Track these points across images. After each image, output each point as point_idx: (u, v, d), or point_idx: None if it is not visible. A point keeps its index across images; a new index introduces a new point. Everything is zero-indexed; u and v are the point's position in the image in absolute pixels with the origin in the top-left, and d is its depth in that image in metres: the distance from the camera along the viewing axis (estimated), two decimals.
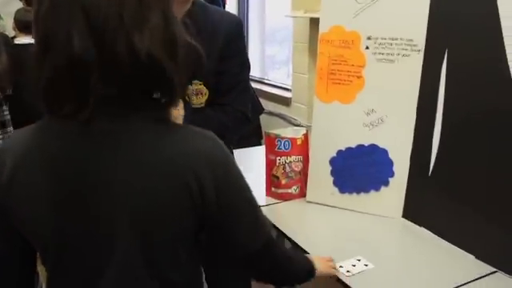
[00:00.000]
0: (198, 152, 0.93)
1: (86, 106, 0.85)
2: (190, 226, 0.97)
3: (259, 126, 4.08)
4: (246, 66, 1.78)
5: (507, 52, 1.49)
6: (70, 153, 0.92)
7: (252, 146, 3.02)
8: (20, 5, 3.79)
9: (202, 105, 1.68)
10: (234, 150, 2.04)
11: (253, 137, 3.88)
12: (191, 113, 1.59)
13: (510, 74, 1.49)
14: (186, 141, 0.95)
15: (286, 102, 4.01)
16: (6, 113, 2.73)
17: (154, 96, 0.92)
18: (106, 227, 0.94)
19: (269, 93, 4.32)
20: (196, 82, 1.64)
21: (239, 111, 1.73)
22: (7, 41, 3.30)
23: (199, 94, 1.66)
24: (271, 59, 4.91)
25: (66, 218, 0.94)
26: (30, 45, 2.96)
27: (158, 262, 0.98)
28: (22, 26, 3.42)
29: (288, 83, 4.13)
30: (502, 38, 1.50)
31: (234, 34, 1.69)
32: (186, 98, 1.64)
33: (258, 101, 3.98)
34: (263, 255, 1.14)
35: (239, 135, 1.89)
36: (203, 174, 0.92)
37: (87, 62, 0.83)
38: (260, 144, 3.69)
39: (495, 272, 1.54)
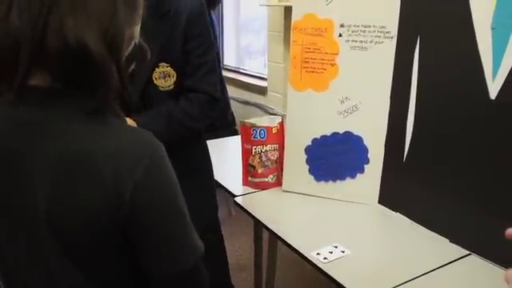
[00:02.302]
0: (122, 148, 0.89)
1: (16, 81, 0.84)
2: (106, 226, 0.90)
3: (231, 122, 3.99)
4: (211, 46, 1.77)
5: (477, 37, 1.51)
6: None
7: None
8: None
9: (171, 87, 1.67)
10: (208, 141, 2.03)
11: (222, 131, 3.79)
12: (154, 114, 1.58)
13: (480, 59, 1.50)
14: (111, 136, 0.90)
15: (261, 91, 4.01)
16: None
17: (90, 88, 0.88)
18: (26, 222, 0.92)
19: (244, 82, 4.32)
20: (163, 64, 1.64)
21: (205, 93, 1.73)
22: None
23: (166, 76, 1.66)
24: (247, 49, 4.90)
25: None
26: None
27: (86, 266, 0.95)
28: None
29: (264, 73, 4.13)
30: (472, 23, 1.52)
31: (195, 15, 1.69)
32: (154, 80, 1.63)
33: (228, 101, 3.90)
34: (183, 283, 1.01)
35: (212, 118, 1.87)
36: (122, 171, 0.87)
37: (20, 37, 0.81)
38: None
39: (469, 255, 1.56)
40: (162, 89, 1.65)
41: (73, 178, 0.87)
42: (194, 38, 1.67)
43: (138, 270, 0.97)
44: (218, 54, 4.03)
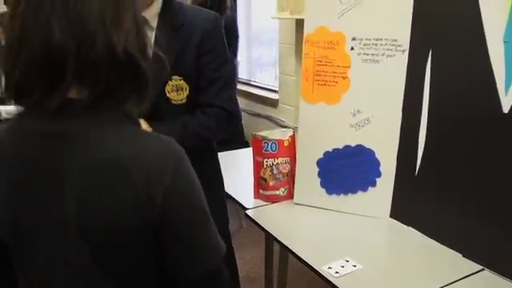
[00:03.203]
0: (150, 154, 0.94)
1: (55, 94, 0.88)
2: (138, 231, 0.95)
3: (240, 133, 3.99)
4: (226, 61, 1.77)
5: (489, 50, 1.50)
6: (31, 155, 0.94)
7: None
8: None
9: (183, 101, 1.67)
10: (219, 153, 2.03)
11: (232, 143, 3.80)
12: (168, 123, 1.58)
13: (492, 72, 1.50)
14: (139, 143, 0.95)
15: (273, 103, 4.01)
16: None
17: (123, 98, 0.94)
18: (59, 229, 0.95)
19: (256, 95, 4.33)
20: (176, 77, 1.64)
21: (220, 108, 1.73)
22: None
23: (179, 89, 1.66)
24: (258, 61, 4.91)
25: (22, 222, 0.97)
26: None
27: (112, 266, 0.98)
28: None
29: (275, 85, 4.13)
30: (484, 37, 1.52)
31: (210, 30, 1.70)
32: (166, 93, 1.64)
33: (240, 113, 3.90)
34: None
35: (227, 132, 1.88)
36: (152, 175, 0.92)
37: (64, 52, 0.86)
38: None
39: (482, 270, 1.54)
40: (175, 102, 1.65)
41: (105, 185, 0.91)
42: (208, 52, 1.67)
43: (163, 271, 1.01)
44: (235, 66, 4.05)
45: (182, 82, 1.64)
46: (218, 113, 1.71)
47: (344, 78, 1.85)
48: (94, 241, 0.95)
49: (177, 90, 1.64)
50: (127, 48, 0.90)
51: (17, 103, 0.96)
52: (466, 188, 1.60)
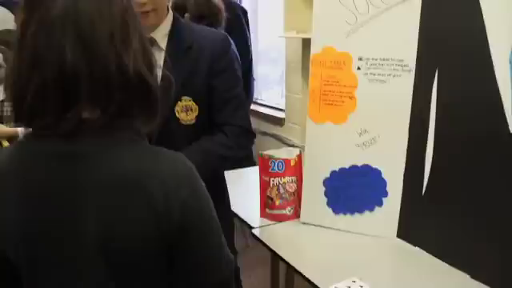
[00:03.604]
0: (166, 170, 0.95)
1: (69, 115, 0.89)
2: (156, 246, 0.96)
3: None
4: (239, 80, 1.78)
5: (495, 71, 1.51)
6: (45, 176, 0.94)
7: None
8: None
9: (193, 121, 1.68)
10: (226, 172, 2.03)
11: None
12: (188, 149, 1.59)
13: (498, 92, 1.50)
14: (154, 159, 0.97)
15: (279, 122, 4.02)
16: None
17: (133, 116, 0.96)
18: (77, 250, 0.95)
19: (262, 113, 4.34)
20: (185, 98, 1.64)
21: (238, 127, 1.73)
22: None
23: (189, 110, 1.66)
24: (264, 79, 4.93)
25: (36, 245, 0.96)
26: None
27: (126, 282, 0.98)
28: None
29: (281, 103, 4.14)
30: (491, 57, 1.52)
31: (220, 50, 1.70)
32: (176, 114, 1.64)
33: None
34: None
35: (247, 150, 1.88)
36: (170, 191, 0.93)
37: (77, 74, 0.88)
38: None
39: None
40: (184, 122, 1.65)
41: (123, 204, 0.92)
42: (221, 73, 1.68)
43: (177, 283, 1.02)
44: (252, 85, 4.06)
45: (192, 103, 1.65)
46: (238, 131, 1.71)
47: (351, 97, 1.86)
48: (113, 259, 0.95)
49: (186, 111, 1.65)
50: (137, 67, 0.92)
51: (28, 126, 0.96)
52: (473, 209, 1.60)
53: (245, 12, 4.00)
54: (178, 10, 3.11)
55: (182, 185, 0.95)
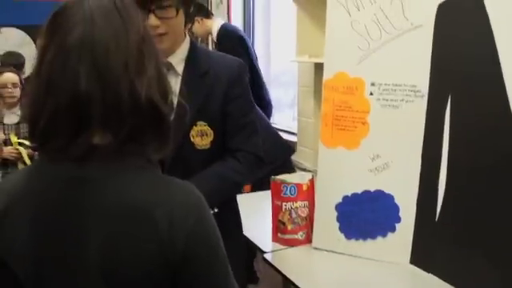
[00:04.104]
0: (173, 199, 0.95)
1: (80, 140, 0.91)
2: (160, 274, 0.95)
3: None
4: (253, 107, 1.79)
5: (509, 95, 1.51)
6: (55, 199, 0.95)
7: None
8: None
9: (207, 146, 1.68)
10: (238, 195, 2.03)
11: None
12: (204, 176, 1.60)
13: None
14: (162, 187, 0.96)
15: (291, 146, 4.01)
16: None
17: (144, 143, 0.96)
18: (81, 274, 0.95)
19: None
20: (201, 122, 1.65)
21: (251, 154, 1.73)
22: None
23: (204, 135, 1.67)
24: (276, 102, 4.93)
25: (45, 269, 0.97)
26: None
27: None
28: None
29: (293, 126, 4.14)
30: (504, 82, 1.52)
31: (235, 77, 1.71)
32: (191, 138, 1.65)
33: (285, 141, 3.88)
34: None
35: (257, 177, 1.89)
36: (175, 221, 0.92)
37: (90, 100, 0.89)
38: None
39: None
40: (199, 147, 1.66)
41: (129, 231, 0.92)
42: (236, 99, 1.69)
43: None
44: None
45: (207, 128, 1.66)
46: (250, 158, 1.71)
47: (363, 123, 1.86)
48: (115, 285, 0.94)
49: (201, 136, 1.65)
50: (149, 95, 0.93)
51: (41, 148, 0.98)
52: (487, 234, 1.58)
53: (241, 38, 4.05)
54: None
55: (190, 214, 0.94)
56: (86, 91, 0.89)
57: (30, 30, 5.36)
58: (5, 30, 5.53)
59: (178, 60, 1.66)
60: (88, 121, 0.90)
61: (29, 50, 5.01)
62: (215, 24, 4.14)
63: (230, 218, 1.82)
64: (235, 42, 3.88)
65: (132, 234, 0.92)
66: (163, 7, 1.52)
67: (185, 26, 1.66)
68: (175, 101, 1.61)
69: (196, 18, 2.82)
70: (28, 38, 5.47)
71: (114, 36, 0.92)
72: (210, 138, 1.67)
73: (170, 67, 1.64)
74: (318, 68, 3.29)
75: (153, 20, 1.51)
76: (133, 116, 0.92)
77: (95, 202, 0.93)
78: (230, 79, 1.68)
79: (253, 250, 2.12)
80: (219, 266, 1.01)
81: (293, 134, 4.10)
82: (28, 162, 3.23)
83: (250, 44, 4.12)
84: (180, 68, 1.66)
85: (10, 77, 3.35)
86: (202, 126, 1.65)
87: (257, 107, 3.55)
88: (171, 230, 0.92)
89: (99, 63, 0.90)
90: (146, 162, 0.98)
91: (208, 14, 4.19)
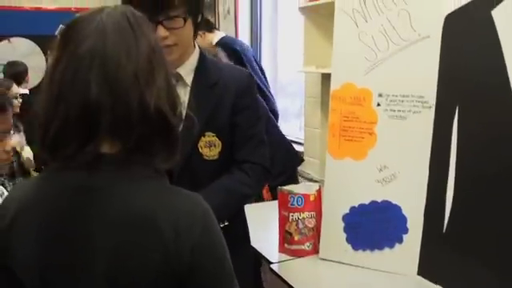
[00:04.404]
0: (179, 208, 0.95)
1: (88, 148, 0.93)
2: (164, 286, 0.95)
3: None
4: (259, 118, 1.79)
5: None
6: (62, 207, 0.97)
7: None
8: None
9: (216, 157, 1.68)
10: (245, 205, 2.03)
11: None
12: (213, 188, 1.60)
13: None
14: (168, 197, 0.98)
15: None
16: None
17: (152, 153, 0.98)
18: (87, 283, 0.95)
19: None
20: (209, 133, 1.66)
21: (258, 165, 1.73)
22: None
23: (212, 145, 1.67)
24: (283, 112, 4.94)
25: (50, 276, 0.98)
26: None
27: None
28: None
29: (300, 135, 4.14)
30: (511, 92, 1.52)
31: (244, 88, 1.72)
32: (199, 149, 1.66)
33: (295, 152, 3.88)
34: None
35: (263, 188, 1.89)
36: (181, 231, 0.93)
37: (100, 108, 0.91)
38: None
39: None
40: (207, 158, 1.66)
41: (136, 241, 0.93)
42: (243, 110, 1.69)
43: None
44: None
45: (215, 139, 1.66)
46: (257, 169, 1.71)
47: (370, 133, 1.86)
48: None
49: (209, 146, 1.66)
50: (159, 105, 0.95)
51: (52, 156, 0.99)
52: (496, 246, 1.58)
53: (235, 50, 4.06)
54: None
55: (196, 225, 0.95)
56: (96, 100, 0.91)
57: (39, 40, 5.41)
58: (14, 39, 5.58)
59: (187, 71, 1.67)
60: (97, 129, 0.92)
61: (37, 60, 5.06)
62: (216, 37, 4.17)
63: (238, 230, 1.82)
64: (229, 54, 3.90)
65: (138, 243, 0.93)
66: (171, 18, 1.53)
67: (194, 36, 1.67)
68: (184, 111, 1.63)
69: (199, 32, 2.83)
70: (37, 49, 5.53)
71: (125, 48, 0.94)
72: (218, 149, 1.67)
73: (179, 78, 1.65)
74: (325, 78, 3.30)
75: (161, 31, 1.52)
76: (141, 126, 0.94)
77: (101, 210, 0.94)
78: (239, 90, 1.68)
79: (258, 259, 2.11)
80: (225, 277, 1.01)
81: (299, 143, 4.10)
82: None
83: (251, 56, 4.12)
84: (189, 79, 1.67)
85: (16, 89, 3.40)
86: (210, 137, 1.65)
87: (272, 116, 3.58)
88: (177, 241, 0.92)
89: (110, 73, 0.92)
90: (154, 171, 0.99)
91: (211, 28, 4.23)
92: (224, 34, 4.34)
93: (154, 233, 0.92)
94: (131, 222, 0.93)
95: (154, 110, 0.94)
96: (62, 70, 0.94)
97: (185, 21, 1.55)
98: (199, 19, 1.65)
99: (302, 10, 3.25)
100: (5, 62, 4.60)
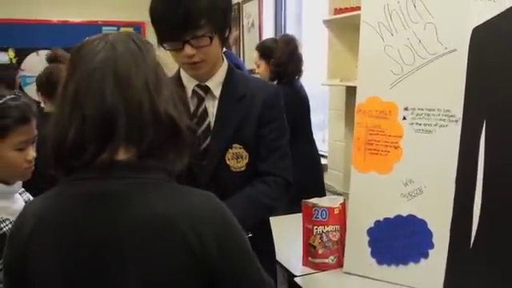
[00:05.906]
0: (198, 208, 0.99)
1: (104, 154, 0.97)
2: (196, 280, 0.98)
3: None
4: (285, 131, 1.80)
5: None
6: (80, 218, 0.99)
7: None
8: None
9: (243, 168, 1.69)
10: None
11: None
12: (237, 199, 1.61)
13: None
14: (185, 198, 1.01)
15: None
16: None
17: (163, 158, 1.03)
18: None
19: None
20: (236, 145, 1.67)
21: (281, 177, 1.74)
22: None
23: (239, 157, 1.68)
24: None
25: (79, 285, 0.99)
26: None
27: None
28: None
29: (323, 148, 4.14)
30: None
31: (271, 101, 1.73)
32: (226, 161, 1.67)
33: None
34: None
35: (285, 201, 1.89)
36: (203, 229, 0.96)
37: (115, 113, 0.96)
38: None
39: None
40: (234, 169, 1.67)
41: (159, 241, 0.95)
42: (269, 123, 1.70)
43: None
44: None
45: (242, 151, 1.67)
46: (280, 182, 1.72)
47: (396, 147, 1.85)
48: None
49: (237, 158, 1.67)
50: (168, 110, 1.01)
51: (66, 169, 1.02)
52: None
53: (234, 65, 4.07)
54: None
55: (215, 217, 1.00)
56: (111, 103, 0.96)
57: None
58: (42, 52, 5.68)
59: (215, 83, 1.68)
60: (113, 133, 0.97)
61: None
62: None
63: (263, 243, 1.82)
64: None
65: (164, 245, 0.96)
66: (198, 37, 1.54)
67: (221, 49, 1.69)
68: (212, 124, 1.64)
69: None
70: None
71: (134, 59, 1.01)
72: (246, 161, 1.68)
73: (208, 91, 1.67)
74: (349, 91, 3.30)
75: (189, 50, 1.54)
76: (153, 129, 0.99)
77: (122, 214, 0.97)
78: (266, 102, 1.70)
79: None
80: (251, 262, 1.06)
81: (323, 156, 4.09)
82: None
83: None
84: (217, 91, 1.68)
85: None
86: (237, 149, 1.67)
87: (311, 134, 3.57)
88: (199, 237, 0.96)
89: (122, 80, 0.98)
90: (167, 174, 1.03)
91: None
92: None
93: (175, 233, 0.96)
94: (154, 225, 0.96)
95: (164, 114, 1.00)
96: (76, 81, 0.99)
97: (211, 39, 1.56)
98: (227, 34, 1.66)
99: (326, 22, 3.26)
100: (34, 74, 4.66)
